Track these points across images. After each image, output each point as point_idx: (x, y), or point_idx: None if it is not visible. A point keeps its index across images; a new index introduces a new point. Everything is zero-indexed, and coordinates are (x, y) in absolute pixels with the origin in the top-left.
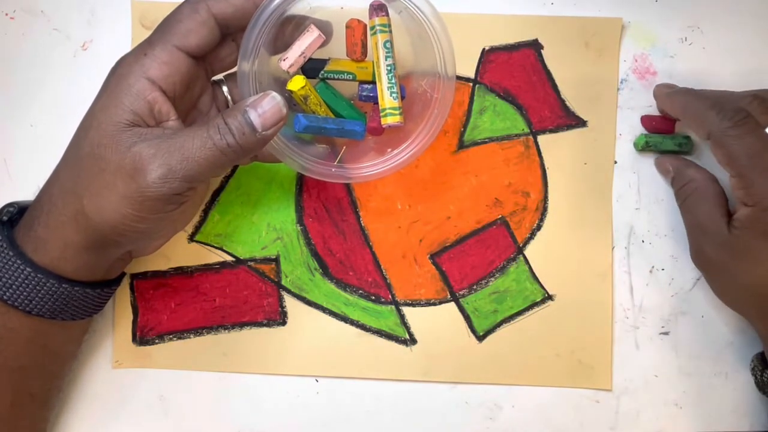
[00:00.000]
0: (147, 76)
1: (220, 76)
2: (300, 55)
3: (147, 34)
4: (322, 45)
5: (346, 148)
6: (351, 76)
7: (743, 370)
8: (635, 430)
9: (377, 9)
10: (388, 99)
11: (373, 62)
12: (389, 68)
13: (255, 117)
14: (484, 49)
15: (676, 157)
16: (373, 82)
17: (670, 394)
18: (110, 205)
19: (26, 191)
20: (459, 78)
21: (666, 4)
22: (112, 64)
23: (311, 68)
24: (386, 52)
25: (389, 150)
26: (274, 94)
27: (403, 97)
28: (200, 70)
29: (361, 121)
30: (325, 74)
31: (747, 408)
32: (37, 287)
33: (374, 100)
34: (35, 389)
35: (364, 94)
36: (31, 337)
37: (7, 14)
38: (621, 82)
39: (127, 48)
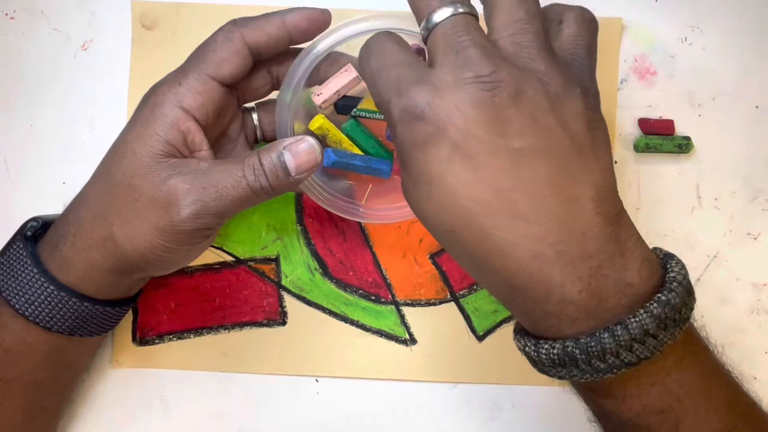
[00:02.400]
0: (181, 106)
1: (251, 104)
2: (334, 93)
3: (147, 34)
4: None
5: (372, 186)
6: (382, 116)
7: (743, 371)
8: None
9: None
10: None
11: None
12: None
13: (290, 160)
14: None
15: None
16: None
17: None
18: (141, 235)
19: (26, 191)
20: None
21: (666, 4)
22: (112, 64)
23: (344, 105)
24: None
25: None
26: (311, 139)
27: None
28: (232, 98)
29: (388, 160)
30: (358, 112)
31: None
32: (59, 305)
33: None
34: (47, 402)
35: None
36: (48, 351)
37: (7, 14)
38: (621, 82)
39: (127, 48)
